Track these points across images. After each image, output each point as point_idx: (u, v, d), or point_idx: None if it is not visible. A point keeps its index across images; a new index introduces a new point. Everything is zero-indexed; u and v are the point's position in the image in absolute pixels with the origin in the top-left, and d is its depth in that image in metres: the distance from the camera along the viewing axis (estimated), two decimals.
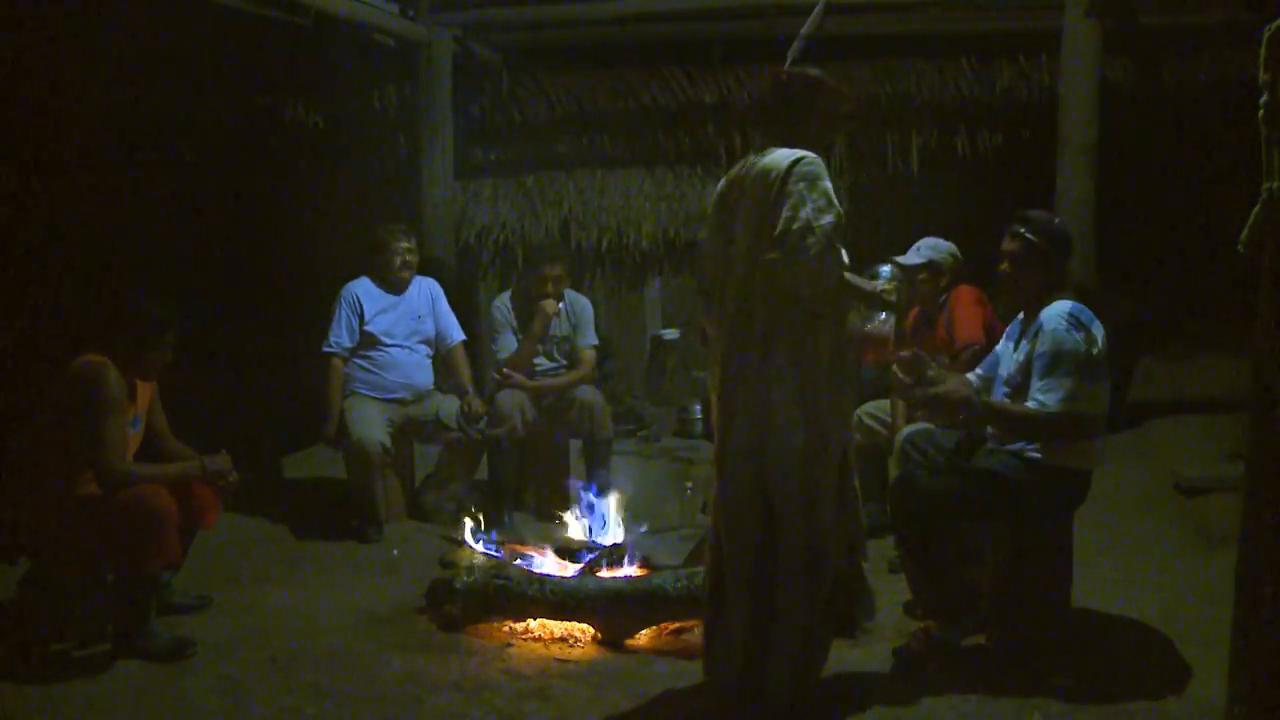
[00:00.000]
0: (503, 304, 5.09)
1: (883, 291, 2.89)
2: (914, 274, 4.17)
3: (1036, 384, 3.10)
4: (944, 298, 4.21)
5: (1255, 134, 2.13)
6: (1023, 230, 3.23)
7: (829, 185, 2.70)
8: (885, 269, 2.89)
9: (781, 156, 2.73)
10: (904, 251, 4.24)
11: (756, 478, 2.77)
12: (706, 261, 2.98)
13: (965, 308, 4.11)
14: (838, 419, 2.83)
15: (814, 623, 2.82)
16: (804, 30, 3.10)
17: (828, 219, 2.64)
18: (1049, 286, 3.22)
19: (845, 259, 2.76)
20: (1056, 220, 3.35)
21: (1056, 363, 3.06)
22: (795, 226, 2.62)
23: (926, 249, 4.19)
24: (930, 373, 3.22)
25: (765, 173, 2.74)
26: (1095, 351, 3.10)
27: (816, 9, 3.19)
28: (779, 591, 2.77)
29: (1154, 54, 5.87)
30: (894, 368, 3.23)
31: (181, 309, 3.62)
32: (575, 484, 4.56)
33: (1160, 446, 5.20)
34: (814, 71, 2.95)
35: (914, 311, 4.36)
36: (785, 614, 2.78)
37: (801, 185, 2.66)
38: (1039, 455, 3.13)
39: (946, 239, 4.27)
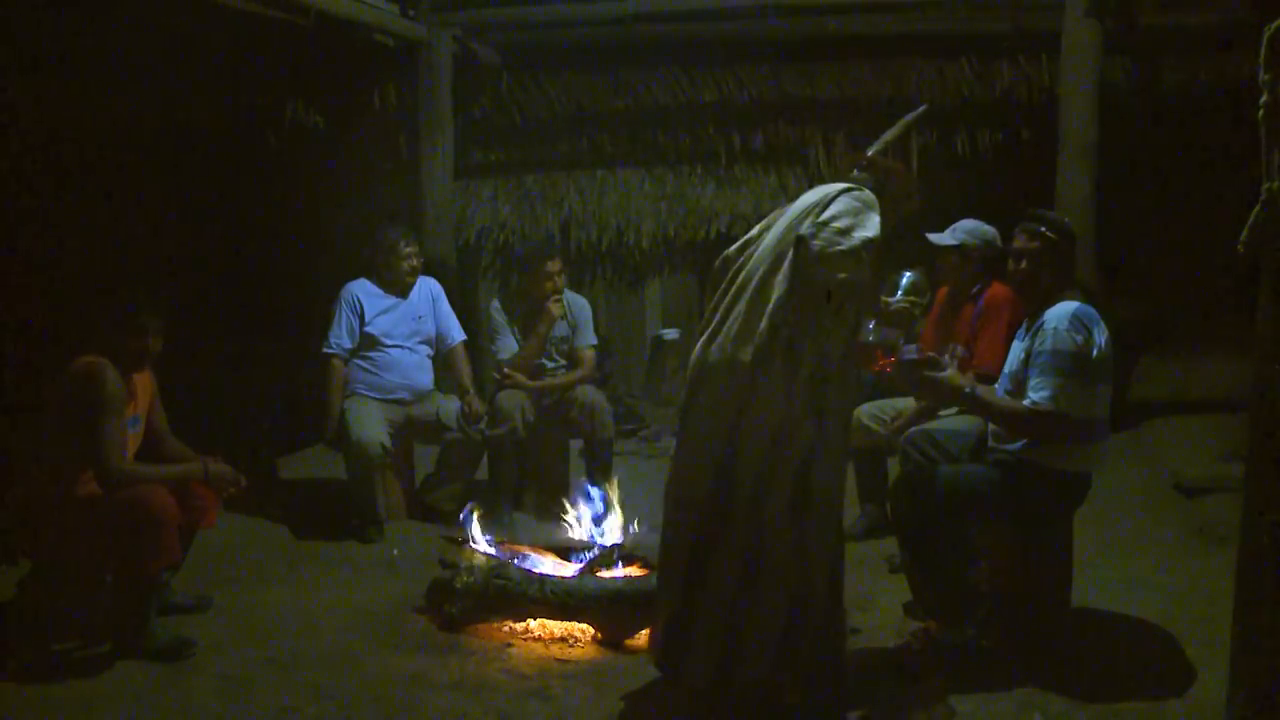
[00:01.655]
0: (498, 307, 5.08)
1: (895, 312, 2.93)
2: (944, 254, 4.10)
3: (1031, 380, 3.11)
4: (978, 287, 4.09)
5: (1255, 134, 2.13)
6: (1042, 229, 3.24)
7: (878, 217, 2.81)
8: (906, 276, 2.93)
9: (839, 184, 2.91)
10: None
11: (717, 465, 2.78)
12: (735, 251, 3.00)
13: (996, 329, 3.92)
14: (816, 428, 2.77)
15: (733, 607, 2.79)
16: (890, 133, 3.18)
17: (867, 233, 2.76)
18: (1059, 285, 3.23)
19: (869, 274, 2.79)
20: (1065, 219, 3.37)
21: (1052, 361, 3.07)
22: (836, 224, 2.75)
23: (961, 232, 4.10)
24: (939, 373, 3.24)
25: (824, 188, 2.90)
26: (1095, 354, 3.10)
27: (916, 111, 3.29)
28: (710, 570, 2.78)
29: (1154, 54, 5.88)
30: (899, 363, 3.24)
31: (178, 304, 3.62)
32: (577, 484, 4.55)
33: (1160, 446, 5.20)
34: (896, 164, 3.09)
35: (943, 291, 4.32)
36: (713, 590, 2.79)
37: (855, 204, 2.82)
38: (1040, 457, 3.14)
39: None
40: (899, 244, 2.95)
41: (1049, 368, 3.07)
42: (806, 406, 2.74)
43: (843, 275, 2.70)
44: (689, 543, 2.85)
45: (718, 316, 2.87)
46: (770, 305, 2.75)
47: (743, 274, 2.87)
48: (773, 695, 2.82)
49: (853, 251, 2.71)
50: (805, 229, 2.75)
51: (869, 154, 3.09)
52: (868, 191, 2.87)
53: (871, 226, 2.77)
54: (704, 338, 2.89)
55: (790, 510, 2.76)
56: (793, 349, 2.73)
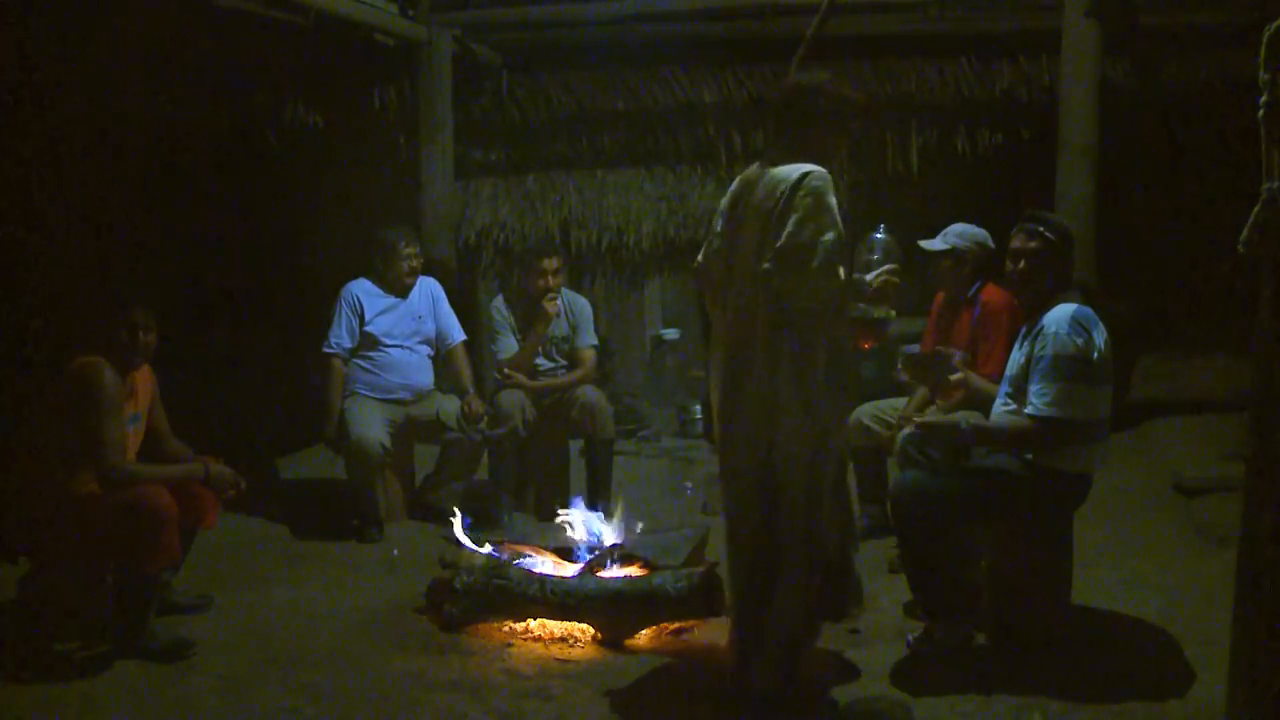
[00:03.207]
0: (500, 305, 5.08)
1: (876, 291, 2.93)
2: (938, 259, 4.11)
3: (1033, 388, 3.11)
4: (975, 290, 4.10)
5: (1255, 134, 2.13)
6: (1042, 229, 3.23)
7: (834, 201, 2.73)
8: (877, 241, 2.91)
9: (790, 170, 2.78)
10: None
11: (761, 469, 2.80)
12: (713, 251, 3.00)
13: (999, 339, 3.91)
14: (836, 415, 2.88)
15: (805, 609, 2.88)
16: (808, 35, 3.13)
17: (830, 236, 2.69)
18: (1057, 286, 3.23)
19: (843, 273, 2.78)
20: (1064, 221, 3.38)
21: (1054, 366, 3.07)
22: (799, 241, 2.68)
23: (953, 235, 4.10)
24: (954, 376, 3.33)
25: (774, 184, 2.78)
26: (1095, 356, 3.10)
27: (820, 11, 3.20)
28: (778, 581, 2.82)
29: (1154, 54, 5.87)
30: (899, 367, 3.26)
31: (178, 305, 3.62)
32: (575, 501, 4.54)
33: (1160, 446, 5.19)
34: (816, 77, 2.95)
35: (939, 297, 4.32)
36: (781, 602, 2.83)
37: (809, 200, 2.71)
38: (1040, 458, 3.14)
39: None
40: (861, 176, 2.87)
41: (1050, 373, 3.07)
42: (830, 408, 2.80)
43: (822, 293, 2.71)
44: (747, 572, 2.89)
45: (727, 346, 2.88)
46: (764, 332, 2.77)
47: (733, 294, 2.87)
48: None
49: (821, 267, 2.67)
50: (768, 264, 2.71)
51: (794, 77, 3.01)
52: (814, 174, 2.73)
53: (832, 222, 2.69)
54: (722, 369, 2.90)
55: (834, 499, 2.85)
56: (801, 364, 2.76)
